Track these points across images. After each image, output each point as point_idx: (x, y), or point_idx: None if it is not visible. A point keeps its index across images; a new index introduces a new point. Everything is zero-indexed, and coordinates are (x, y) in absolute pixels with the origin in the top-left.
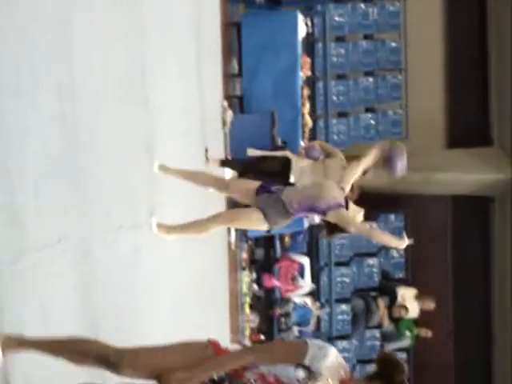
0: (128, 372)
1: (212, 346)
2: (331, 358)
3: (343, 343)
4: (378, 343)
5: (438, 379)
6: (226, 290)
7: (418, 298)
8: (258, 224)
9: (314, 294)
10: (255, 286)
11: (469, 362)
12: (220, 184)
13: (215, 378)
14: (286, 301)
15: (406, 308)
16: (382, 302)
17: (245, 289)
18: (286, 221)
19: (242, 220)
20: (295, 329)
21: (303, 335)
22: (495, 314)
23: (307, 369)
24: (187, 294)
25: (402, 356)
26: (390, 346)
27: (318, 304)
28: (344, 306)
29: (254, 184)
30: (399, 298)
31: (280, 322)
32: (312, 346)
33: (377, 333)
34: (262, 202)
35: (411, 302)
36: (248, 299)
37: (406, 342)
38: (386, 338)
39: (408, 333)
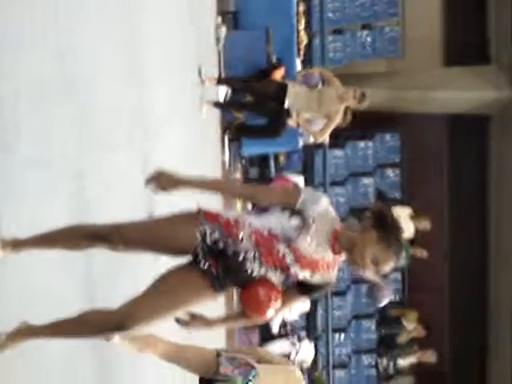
0: (122, 246)
1: (203, 213)
2: (323, 204)
3: None
4: None
5: (433, 300)
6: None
7: (414, 217)
8: None
9: None
10: (249, 207)
11: (464, 284)
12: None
13: (208, 240)
14: None
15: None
16: None
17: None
18: None
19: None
20: None
21: None
22: (491, 237)
23: (300, 217)
24: None
25: (398, 276)
26: None
27: None
28: None
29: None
30: None
31: None
32: (305, 191)
33: None
34: None
35: (406, 221)
36: None
37: (401, 261)
38: None
39: (404, 253)
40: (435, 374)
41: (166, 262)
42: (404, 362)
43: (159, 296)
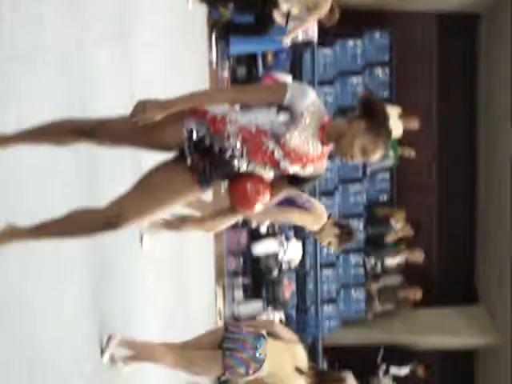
0: (108, 141)
1: (190, 110)
2: (311, 98)
3: None
4: (360, 163)
5: (421, 200)
6: None
7: (402, 117)
8: None
9: None
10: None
11: (452, 183)
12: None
13: (195, 137)
14: None
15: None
16: None
17: None
18: None
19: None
20: None
21: None
22: (480, 135)
23: (288, 112)
24: None
25: (385, 176)
26: (373, 166)
27: None
28: None
29: None
30: None
31: None
32: (291, 85)
33: None
34: None
35: (395, 120)
36: None
37: (389, 161)
38: None
39: (391, 153)
40: (423, 273)
41: (151, 159)
42: (391, 262)
43: (147, 191)
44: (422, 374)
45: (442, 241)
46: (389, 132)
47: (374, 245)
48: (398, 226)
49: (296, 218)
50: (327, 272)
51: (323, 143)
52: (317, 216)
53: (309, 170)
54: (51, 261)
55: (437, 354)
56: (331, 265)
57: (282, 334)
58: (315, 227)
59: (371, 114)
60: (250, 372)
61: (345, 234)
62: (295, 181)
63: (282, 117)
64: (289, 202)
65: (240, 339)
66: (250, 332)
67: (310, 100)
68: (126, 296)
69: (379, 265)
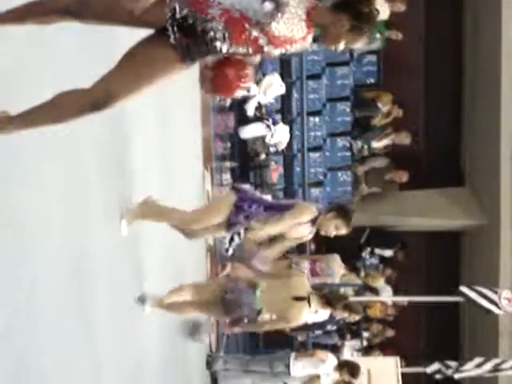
0: (92, 19)
1: None
2: None
3: (313, 46)
4: None
5: (408, 82)
6: None
7: None
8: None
9: None
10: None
11: (439, 65)
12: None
13: (178, 15)
14: None
15: (376, 10)
16: None
17: None
18: None
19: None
20: None
21: None
22: (466, 18)
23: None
24: None
25: (372, 59)
26: (360, 49)
27: None
28: None
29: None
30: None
31: None
32: None
33: None
34: None
35: (381, 3)
36: None
37: (376, 44)
38: None
39: (378, 35)
40: (409, 156)
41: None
42: (378, 144)
43: (131, 68)
44: (401, 257)
45: (429, 124)
46: (372, 29)
47: (361, 128)
48: (385, 108)
49: (289, 220)
50: (314, 155)
51: (308, 27)
52: (302, 208)
53: (295, 48)
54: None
55: (423, 235)
56: (318, 148)
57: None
58: (308, 217)
59: (356, 13)
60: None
61: (341, 216)
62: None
63: (268, 6)
64: (276, 209)
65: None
66: (245, 288)
67: None
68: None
69: (366, 148)
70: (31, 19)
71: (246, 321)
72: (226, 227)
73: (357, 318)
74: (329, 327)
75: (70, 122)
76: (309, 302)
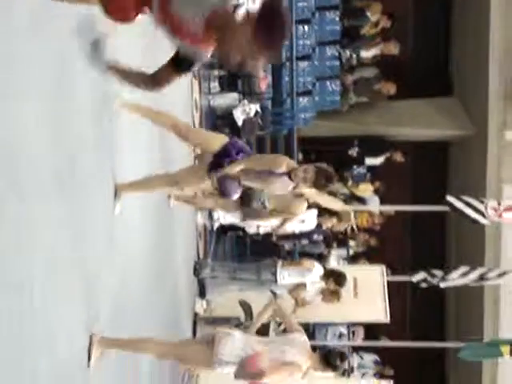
0: None
1: None
2: None
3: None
4: None
5: None
6: None
7: None
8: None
9: None
10: None
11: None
12: (180, 128)
13: None
14: None
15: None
16: None
17: None
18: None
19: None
20: None
21: None
22: None
23: None
24: None
25: None
26: None
27: None
28: None
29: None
30: None
31: None
32: None
33: None
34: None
35: None
36: None
37: None
38: None
39: None
40: (398, 65)
41: None
42: (367, 54)
43: None
44: (400, 158)
45: (418, 33)
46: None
47: (350, 37)
48: (374, 18)
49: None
50: (303, 64)
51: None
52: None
53: None
54: None
55: (411, 144)
56: (307, 57)
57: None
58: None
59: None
60: None
61: (320, 179)
62: None
63: None
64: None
65: None
66: None
67: None
68: None
69: (355, 57)
70: None
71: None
72: (209, 168)
73: (346, 226)
74: (315, 237)
75: None
76: None
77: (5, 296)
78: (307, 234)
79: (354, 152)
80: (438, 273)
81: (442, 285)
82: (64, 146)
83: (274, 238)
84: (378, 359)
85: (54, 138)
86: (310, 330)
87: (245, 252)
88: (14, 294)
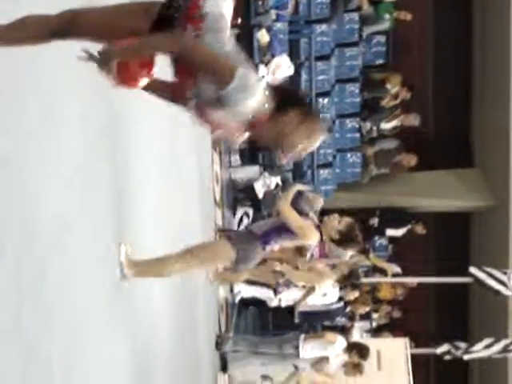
0: (77, 34)
1: None
2: (256, 98)
3: (322, 27)
4: (356, 26)
5: (417, 63)
6: None
7: None
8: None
9: None
10: None
11: (448, 44)
12: None
13: None
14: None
15: None
16: None
17: None
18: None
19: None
20: (272, 12)
21: (280, 19)
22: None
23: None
24: None
25: (381, 39)
26: (369, 30)
27: None
28: None
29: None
30: None
31: (257, 5)
32: (240, 77)
33: (356, 16)
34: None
35: None
36: None
37: (385, 24)
38: (365, 21)
39: (387, 15)
40: (419, 137)
41: None
42: (387, 126)
43: (102, 10)
44: (421, 230)
45: (438, 105)
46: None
47: (370, 109)
48: (394, 89)
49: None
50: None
51: None
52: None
53: None
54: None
55: (432, 216)
56: (327, 130)
57: None
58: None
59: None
60: None
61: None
62: None
63: None
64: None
65: None
66: None
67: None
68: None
69: (375, 129)
70: (23, 43)
71: None
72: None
73: (367, 309)
74: (338, 318)
75: (32, 44)
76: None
77: None
78: (330, 315)
79: (375, 222)
80: (462, 345)
81: (466, 357)
82: None
83: (297, 320)
84: None
85: None
86: None
87: (267, 326)
88: None
